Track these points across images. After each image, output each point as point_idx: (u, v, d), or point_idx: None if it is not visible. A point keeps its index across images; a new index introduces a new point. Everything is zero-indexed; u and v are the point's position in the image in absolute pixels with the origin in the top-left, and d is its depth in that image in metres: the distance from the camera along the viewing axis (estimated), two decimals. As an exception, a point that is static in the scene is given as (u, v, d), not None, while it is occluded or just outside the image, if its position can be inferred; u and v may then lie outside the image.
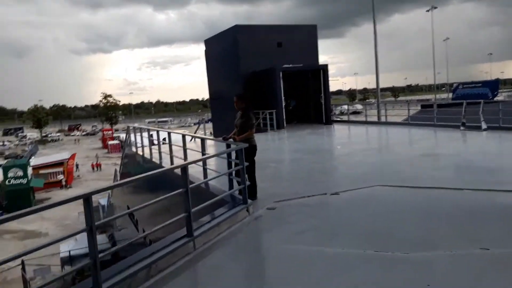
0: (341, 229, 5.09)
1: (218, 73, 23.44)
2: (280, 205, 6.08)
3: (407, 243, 4.37)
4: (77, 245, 16.98)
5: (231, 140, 6.31)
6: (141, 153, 12.69)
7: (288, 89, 22.23)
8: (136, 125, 18.20)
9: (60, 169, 43.86)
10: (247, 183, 5.67)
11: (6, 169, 35.49)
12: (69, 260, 17.08)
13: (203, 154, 7.37)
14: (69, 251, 17.09)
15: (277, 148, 13.66)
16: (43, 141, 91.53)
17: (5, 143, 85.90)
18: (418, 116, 18.11)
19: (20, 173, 35.25)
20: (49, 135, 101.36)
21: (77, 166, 48.31)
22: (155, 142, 11.14)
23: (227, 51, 21.70)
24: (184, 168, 4.56)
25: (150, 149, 11.68)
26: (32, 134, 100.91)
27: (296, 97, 22.11)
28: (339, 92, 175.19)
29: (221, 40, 22.46)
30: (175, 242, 4.34)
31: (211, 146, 13.89)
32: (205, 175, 7.25)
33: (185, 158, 8.42)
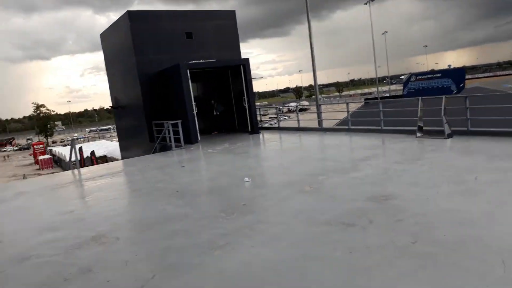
0: None
1: (116, 75, 18.60)
2: None
3: None
4: None
5: None
6: None
7: (206, 91, 18.13)
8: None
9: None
10: None
11: None
12: None
13: None
14: None
15: (150, 187, 8.32)
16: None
17: None
18: (360, 120, 14.43)
19: None
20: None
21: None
22: None
23: (122, 45, 16.93)
24: None
25: None
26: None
27: (218, 101, 17.98)
28: (286, 90, 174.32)
29: (115, 32, 17.53)
30: None
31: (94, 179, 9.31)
32: None
33: None
